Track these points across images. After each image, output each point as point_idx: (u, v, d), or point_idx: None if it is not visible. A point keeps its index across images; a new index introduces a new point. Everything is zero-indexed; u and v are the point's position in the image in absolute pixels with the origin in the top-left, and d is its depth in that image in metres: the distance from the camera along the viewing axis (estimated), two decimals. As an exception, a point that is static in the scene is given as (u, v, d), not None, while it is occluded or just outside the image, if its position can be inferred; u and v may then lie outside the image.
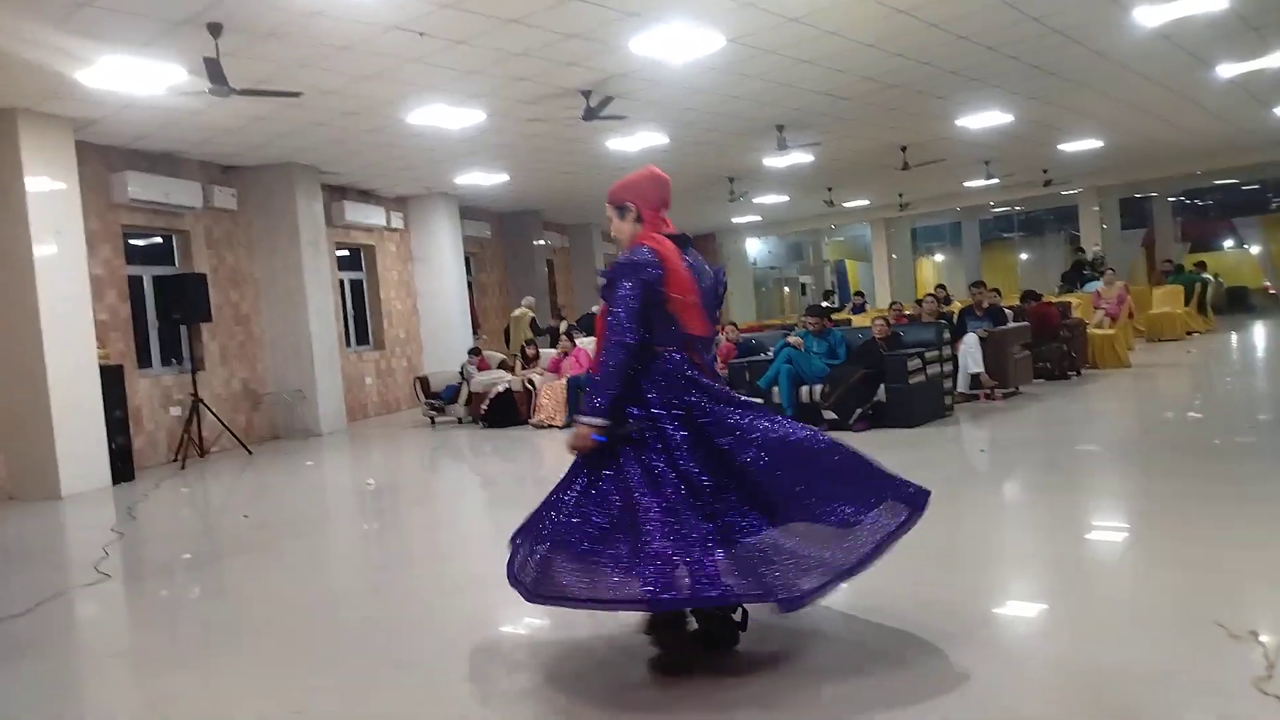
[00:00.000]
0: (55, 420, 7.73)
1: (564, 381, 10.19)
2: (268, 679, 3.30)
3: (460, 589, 4.31)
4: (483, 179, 12.67)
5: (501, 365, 11.49)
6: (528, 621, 3.59)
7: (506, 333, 14.30)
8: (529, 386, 10.45)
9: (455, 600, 4.11)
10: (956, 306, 11.57)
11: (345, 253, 13.07)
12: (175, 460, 9.35)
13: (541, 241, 17.02)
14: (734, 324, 10.48)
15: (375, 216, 12.91)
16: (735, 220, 22.10)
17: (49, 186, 7.86)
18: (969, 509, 5.04)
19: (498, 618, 3.77)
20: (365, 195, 12.97)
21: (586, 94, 8.59)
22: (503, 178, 12.73)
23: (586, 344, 11.22)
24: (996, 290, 10.85)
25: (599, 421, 2.82)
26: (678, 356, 2.92)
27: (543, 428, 10.02)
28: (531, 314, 13.82)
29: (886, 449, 7.09)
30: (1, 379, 7.88)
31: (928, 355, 8.09)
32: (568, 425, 9.86)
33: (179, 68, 6.66)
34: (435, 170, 11.98)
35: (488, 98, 8.58)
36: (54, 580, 5.00)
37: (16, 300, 7.75)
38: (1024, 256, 28.75)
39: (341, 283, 12.72)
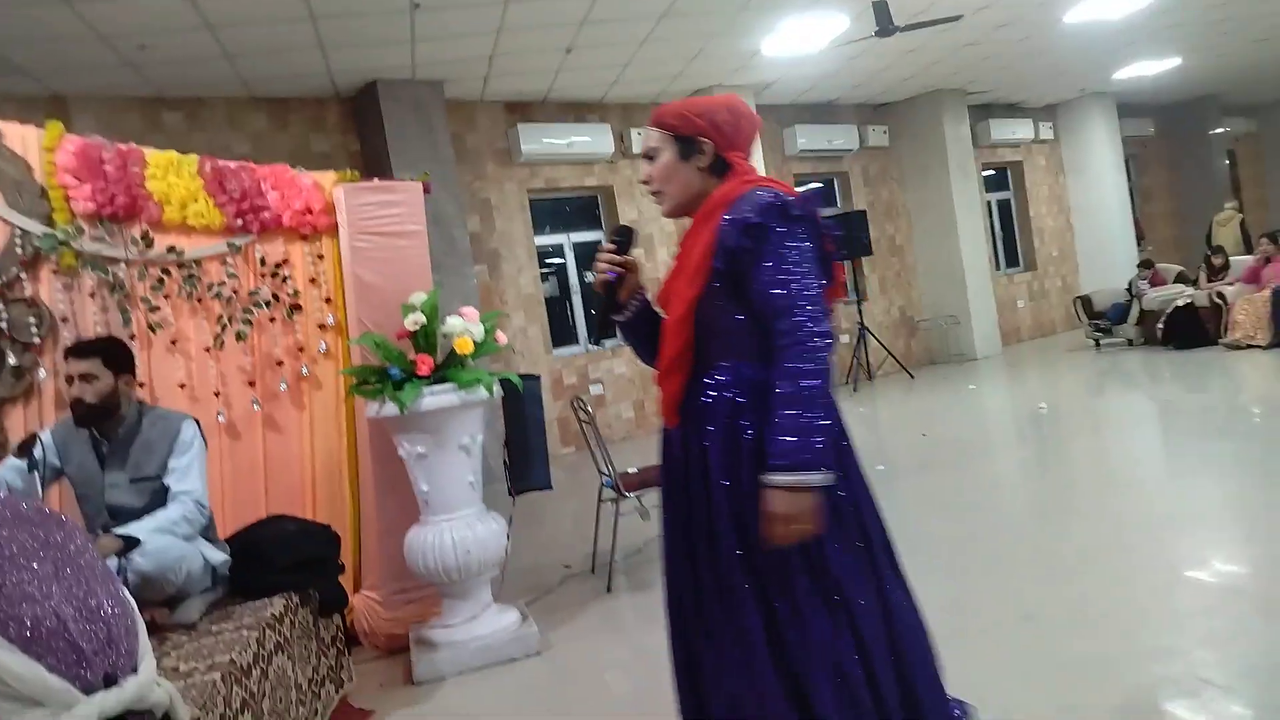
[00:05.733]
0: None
1: (1268, 292, 8.60)
2: (990, 586, 3.49)
3: (1148, 523, 4.03)
4: (1147, 68, 11.19)
5: (1180, 278, 10.14)
6: (1219, 569, 3.30)
7: (1208, 240, 12.44)
8: (1218, 301, 9.06)
9: (1147, 534, 3.88)
10: None
11: (991, 173, 12.76)
12: (847, 384, 10.27)
13: (1220, 130, 14.47)
14: None
15: (1022, 130, 12.33)
16: None
17: (739, 149, 9.13)
18: None
19: (1186, 559, 3.48)
20: (1011, 109, 12.45)
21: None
22: (1173, 62, 11.08)
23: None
24: None
25: (824, 477, 1.61)
26: None
27: (1239, 348, 8.62)
28: (1240, 215, 11.78)
29: None
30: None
31: None
32: (1272, 345, 8.34)
33: (844, 16, 7.15)
34: (1090, 68, 10.94)
35: (1162, -27, 7.52)
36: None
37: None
38: None
39: (989, 204, 12.47)
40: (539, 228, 8.70)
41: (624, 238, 1.92)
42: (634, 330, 1.94)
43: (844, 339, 10.65)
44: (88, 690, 1.36)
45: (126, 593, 1.58)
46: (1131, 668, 2.61)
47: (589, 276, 9.16)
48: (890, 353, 10.46)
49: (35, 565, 1.39)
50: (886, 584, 1.77)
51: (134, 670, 1.46)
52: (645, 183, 1.89)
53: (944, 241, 11.13)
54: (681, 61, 7.92)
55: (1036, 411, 7.68)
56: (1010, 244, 13.02)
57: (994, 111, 12.15)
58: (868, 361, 10.33)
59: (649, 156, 1.87)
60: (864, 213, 10.41)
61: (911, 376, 10.28)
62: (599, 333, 1.96)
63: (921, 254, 11.46)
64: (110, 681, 1.40)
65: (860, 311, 10.31)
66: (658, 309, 1.91)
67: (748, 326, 1.71)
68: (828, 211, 10.92)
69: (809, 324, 1.63)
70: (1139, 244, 13.01)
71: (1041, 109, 12.82)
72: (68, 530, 1.52)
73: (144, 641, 1.54)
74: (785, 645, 1.66)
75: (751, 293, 1.69)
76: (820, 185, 11.19)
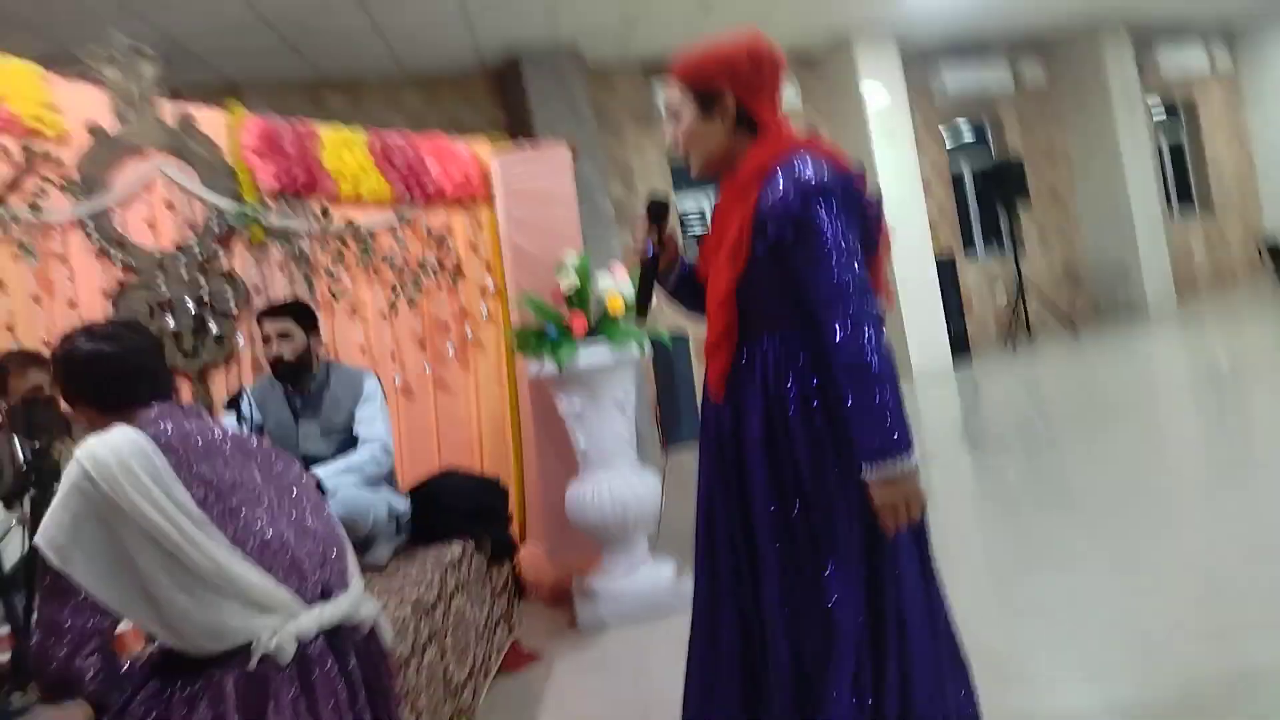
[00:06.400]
0: (903, 307, 8.80)
1: None
2: (1167, 550, 3.32)
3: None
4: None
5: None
6: None
7: None
8: None
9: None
10: None
11: (1159, 109, 11.82)
12: (1005, 343, 9.84)
13: None
14: None
15: (1194, 59, 11.33)
16: None
17: (884, 101, 8.85)
18: None
19: None
20: (1180, 35, 11.40)
21: None
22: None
23: None
24: None
25: (912, 458, 1.60)
26: None
27: None
28: None
29: None
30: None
31: None
32: None
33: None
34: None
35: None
36: (938, 445, 5.76)
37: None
38: None
39: (1158, 144, 11.58)
40: (680, 190, 8.71)
41: (659, 211, 1.87)
42: (681, 298, 1.97)
43: (1000, 295, 10.21)
44: (309, 602, 1.51)
45: (336, 518, 1.73)
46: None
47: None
48: (1051, 308, 9.93)
49: (261, 494, 1.55)
50: (907, 575, 1.72)
51: (346, 587, 1.61)
52: (673, 145, 1.79)
53: (1109, 186, 10.43)
54: (820, 4, 7.72)
55: (1215, 368, 7.15)
56: (1183, 186, 12.07)
57: (1161, 39, 11.20)
58: (1027, 319, 9.85)
59: (674, 116, 1.76)
60: (1021, 161, 9.88)
61: (1076, 333, 9.74)
62: (639, 308, 1.89)
63: (1085, 201, 10.78)
64: (327, 595, 1.55)
65: (1018, 266, 9.82)
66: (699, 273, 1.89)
67: (791, 298, 1.66)
68: (978, 162, 10.44)
69: (859, 315, 1.58)
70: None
71: (1217, 33, 11.73)
72: (286, 462, 1.68)
73: (353, 561, 1.69)
74: (801, 614, 1.67)
75: (796, 277, 1.65)
76: (972, 131, 10.69)
